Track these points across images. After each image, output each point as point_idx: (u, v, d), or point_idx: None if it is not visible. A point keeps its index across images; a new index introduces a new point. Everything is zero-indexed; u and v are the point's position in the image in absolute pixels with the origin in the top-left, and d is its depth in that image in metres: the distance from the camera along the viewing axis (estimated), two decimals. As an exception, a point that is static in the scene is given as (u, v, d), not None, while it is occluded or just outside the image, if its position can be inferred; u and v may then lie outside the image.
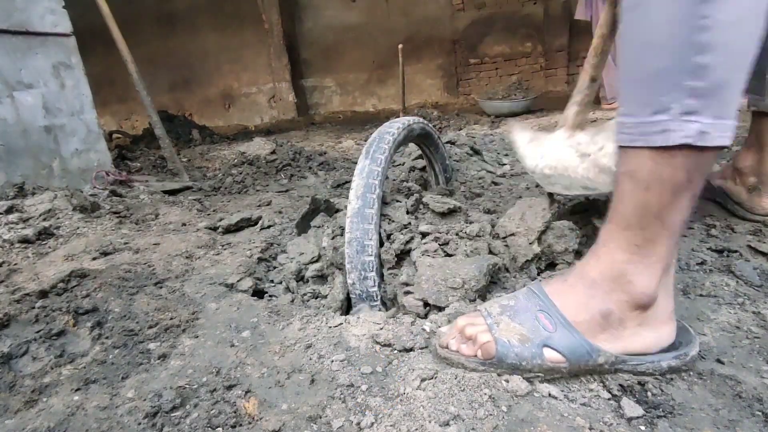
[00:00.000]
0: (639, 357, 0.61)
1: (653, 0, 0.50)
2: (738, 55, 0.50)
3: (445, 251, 0.92)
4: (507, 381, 0.62)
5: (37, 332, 0.83)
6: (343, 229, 1.01)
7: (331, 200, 1.15)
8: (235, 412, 0.61)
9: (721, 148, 0.52)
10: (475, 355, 0.62)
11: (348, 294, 0.93)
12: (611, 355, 0.60)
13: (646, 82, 0.53)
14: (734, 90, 0.51)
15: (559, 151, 1.05)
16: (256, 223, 1.46)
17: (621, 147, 0.57)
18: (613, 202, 0.60)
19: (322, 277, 1.01)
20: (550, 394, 0.59)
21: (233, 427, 0.58)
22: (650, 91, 0.52)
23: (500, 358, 0.61)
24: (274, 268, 1.10)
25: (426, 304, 0.80)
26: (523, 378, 0.61)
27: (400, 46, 3.60)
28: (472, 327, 0.65)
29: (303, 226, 1.22)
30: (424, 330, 0.74)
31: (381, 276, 0.93)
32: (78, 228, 1.47)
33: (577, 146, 1.03)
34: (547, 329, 0.61)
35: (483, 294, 0.80)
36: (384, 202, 1.04)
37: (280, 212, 1.62)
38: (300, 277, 1.03)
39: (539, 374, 0.61)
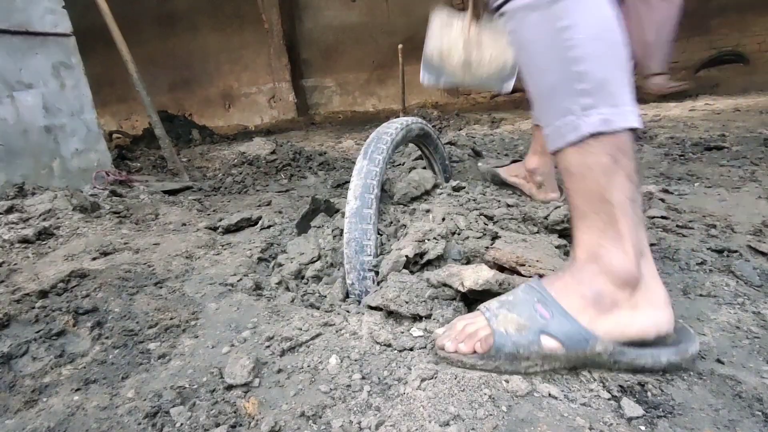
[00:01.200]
0: (638, 349, 0.62)
1: (531, 40, 0.64)
2: (607, 58, 0.62)
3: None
4: (507, 381, 0.62)
5: (37, 332, 0.83)
6: (341, 229, 1.01)
7: (331, 200, 1.15)
8: (235, 412, 0.61)
9: (632, 129, 0.62)
10: (474, 351, 0.63)
11: (347, 294, 0.93)
12: (609, 343, 0.61)
13: (549, 97, 0.65)
14: (617, 83, 0.62)
15: (452, 38, 1.25)
16: (256, 223, 1.46)
17: (554, 153, 0.66)
18: (568, 201, 0.67)
19: (321, 277, 1.01)
20: (550, 394, 0.59)
21: (233, 427, 0.58)
22: (553, 103, 0.64)
23: (498, 348, 0.62)
24: (275, 267, 1.10)
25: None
26: (523, 373, 0.61)
27: (400, 46, 3.60)
28: (471, 325, 0.66)
29: (303, 226, 1.22)
30: (411, 335, 0.74)
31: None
32: (78, 228, 1.47)
33: (465, 40, 1.23)
34: (544, 317, 0.63)
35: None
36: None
37: (280, 212, 1.62)
38: (300, 277, 1.03)
39: (537, 362, 0.62)
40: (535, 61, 0.65)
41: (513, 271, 0.80)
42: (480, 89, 1.41)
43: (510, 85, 1.42)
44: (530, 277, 0.77)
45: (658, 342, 0.63)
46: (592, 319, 0.62)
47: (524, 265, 0.79)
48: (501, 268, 0.81)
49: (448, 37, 1.36)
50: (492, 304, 0.68)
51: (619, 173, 0.61)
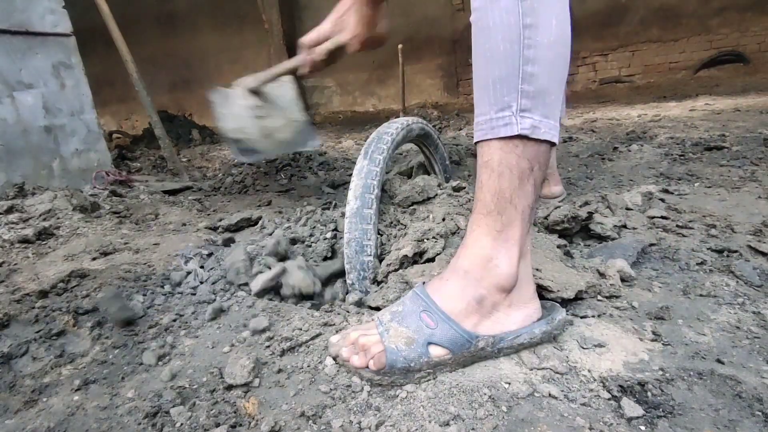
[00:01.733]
0: (514, 331, 0.66)
1: (495, 26, 0.63)
2: (554, 68, 0.64)
3: None
4: (508, 383, 0.62)
5: (37, 332, 0.83)
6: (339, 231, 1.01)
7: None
8: (235, 412, 0.61)
9: (551, 144, 0.65)
10: (367, 366, 0.64)
11: (347, 293, 0.93)
12: (489, 337, 0.65)
13: (493, 87, 0.65)
14: (554, 96, 0.65)
15: (236, 113, 1.35)
16: (255, 223, 1.46)
17: (478, 142, 0.68)
18: (475, 192, 0.69)
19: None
20: (550, 394, 0.59)
21: (233, 427, 0.58)
22: (496, 93, 0.65)
23: (391, 365, 0.62)
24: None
25: None
26: (417, 383, 0.63)
27: (400, 46, 3.60)
28: (365, 337, 0.67)
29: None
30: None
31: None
32: (78, 228, 1.47)
33: (250, 109, 1.33)
34: (430, 327, 0.65)
35: None
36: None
37: (280, 212, 1.62)
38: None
39: (428, 371, 0.63)
40: (491, 47, 0.64)
41: None
42: (298, 150, 1.48)
43: (318, 141, 1.49)
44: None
45: None
46: (476, 323, 0.65)
47: None
48: None
49: (232, 112, 1.40)
50: (385, 316, 0.69)
51: (531, 181, 0.65)
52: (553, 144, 0.65)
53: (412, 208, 1.07)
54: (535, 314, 0.69)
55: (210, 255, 1.15)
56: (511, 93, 0.63)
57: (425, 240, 0.91)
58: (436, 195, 1.09)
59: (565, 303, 0.77)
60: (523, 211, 0.65)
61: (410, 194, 1.06)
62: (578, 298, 0.79)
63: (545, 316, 0.69)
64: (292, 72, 1.31)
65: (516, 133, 0.63)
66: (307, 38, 1.18)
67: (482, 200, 0.67)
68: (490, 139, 0.65)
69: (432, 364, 0.63)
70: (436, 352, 0.63)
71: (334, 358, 0.68)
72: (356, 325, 0.76)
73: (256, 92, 1.39)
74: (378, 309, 0.83)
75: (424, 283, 0.73)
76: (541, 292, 0.76)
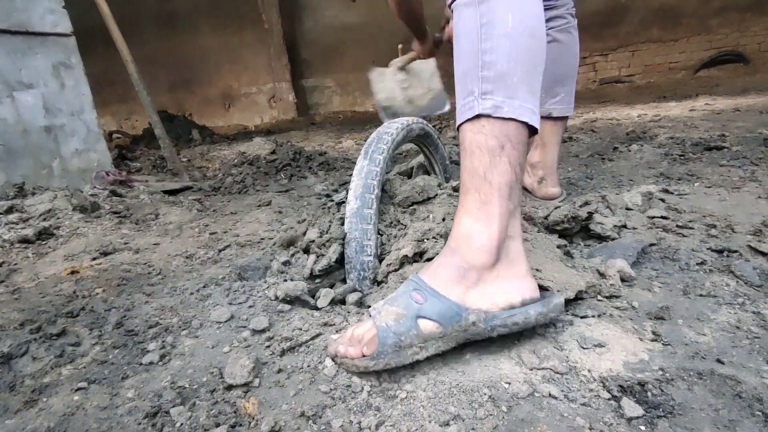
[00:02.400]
0: (509, 311, 0.67)
1: (461, 31, 0.73)
2: (513, 54, 0.69)
3: None
4: (508, 383, 0.62)
5: (37, 332, 0.83)
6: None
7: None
8: (235, 412, 0.61)
9: (523, 124, 0.69)
10: (363, 355, 0.65)
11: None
12: (481, 312, 0.66)
13: (461, 78, 0.73)
14: (516, 78, 0.69)
15: (389, 86, 1.73)
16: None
17: (457, 128, 0.74)
18: (460, 174, 0.73)
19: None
20: (550, 394, 0.59)
21: (233, 427, 0.58)
22: (464, 84, 0.72)
23: (382, 342, 0.64)
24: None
25: None
26: (410, 362, 0.64)
27: (400, 46, 3.59)
28: (359, 329, 0.69)
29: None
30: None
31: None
32: (78, 228, 1.47)
33: (400, 82, 1.72)
34: (419, 302, 0.67)
35: None
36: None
37: (281, 212, 1.62)
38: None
39: (420, 346, 0.64)
40: (459, 48, 0.73)
41: None
42: (430, 114, 1.82)
43: (448, 106, 1.76)
44: None
45: (526, 305, 0.69)
46: (461, 294, 0.67)
47: None
48: None
49: (385, 86, 1.78)
50: (378, 303, 0.71)
51: (503, 158, 0.68)
52: (525, 124, 0.69)
53: (412, 208, 1.07)
54: (529, 291, 0.70)
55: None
56: (474, 81, 0.70)
57: (425, 240, 0.91)
58: (437, 195, 1.09)
59: (565, 304, 0.77)
60: (499, 188, 0.68)
61: (410, 194, 1.06)
62: (578, 298, 0.79)
63: (542, 300, 0.70)
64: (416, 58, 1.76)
65: (477, 113, 0.69)
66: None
67: (462, 181, 0.72)
68: (461, 123, 0.72)
69: (422, 337, 0.64)
70: (426, 325, 0.65)
71: (333, 358, 0.68)
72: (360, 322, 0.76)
73: (403, 69, 1.77)
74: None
75: (418, 272, 0.75)
76: (541, 292, 0.76)
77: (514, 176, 0.69)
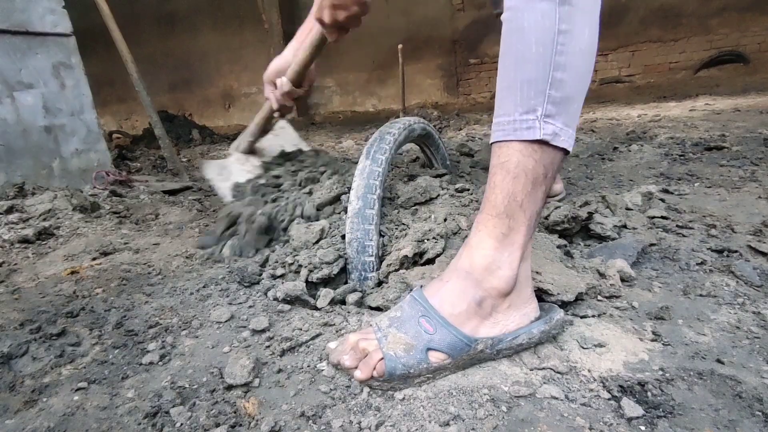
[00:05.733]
0: (513, 332, 0.66)
1: (528, 28, 0.63)
2: (581, 77, 0.65)
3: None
4: (508, 383, 0.62)
5: (37, 332, 0.83)
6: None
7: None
8: (235, 412, 0.61)
9: (566, 152, 0.66)
10: (371, 377, 0.62)
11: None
12: (488, 339, 0.64)
13: (520, 89, 0.64)
14: (577, 105, 0.66)
15: (240, 178, 1.30)
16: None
17: (496, 143, 0.67)
18: (486, 193, 0.68)
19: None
20: (550, 395, 0.59)
21: (233, 427, 0.58)
22: (522, 95, 0.64)
23: (390, 372, 0.61)
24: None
25: None
26: (416, 386, 0.62)
27: (400, 46, 3.60)
28: (364, 342, 0.66)
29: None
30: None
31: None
32: (78, 228, 1.47)
33: (255, 169, 1.32)
34: (428, 332, 0.64)
35: None
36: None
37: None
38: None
39: (428, 376, 0.63)
40: (523, 49, 0.64)
41: None
42: None
43: None
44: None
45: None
46: (475, 326, 0.65)
47: None
48: None
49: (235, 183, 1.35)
50: (383, 321, 0.68)
51: (542, 187, 0.65)
52: (567, 153, 0.66)
53: (414, 208, 1.07)
54: (533, 313, 0.69)
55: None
56: (538, 97, 0.63)
57: (425, 240, 0.91)
58: (438, 195, 1.09)
59: (565, 305, 0.77)
60: (530, 217, 0.65)
61: (412, 195, 1.06)
62: (578, 299, 0.79)
63: (543, 317, 0.69)
64: (270, 118, 1.34)
65: (538, 138, 0.62)
66: (267, 73, 1.23)
67: (492, 201, 0.66)
68: (511, 141, 0.64)
69: (431, 369, 0.63)
70: (436, 357, 0.63)
71: (335, 366, 0.67)
72: (353, 330, 0.75)
73: (252, 152, 1.40)
74: (379, 309, 0.83)
75: (422, 286, 0.72)
76: (541, 295, 0.76)
77: (542, 204, 0.66)
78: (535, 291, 0.76)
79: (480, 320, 0.65)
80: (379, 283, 0.91)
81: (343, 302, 0.88)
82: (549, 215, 1.04)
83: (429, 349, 0.63)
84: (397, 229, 1.02)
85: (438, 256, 0.89)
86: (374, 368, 0.62)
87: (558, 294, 0.76)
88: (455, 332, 0.63)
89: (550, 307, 0.71)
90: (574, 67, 0.63)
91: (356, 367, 0.64)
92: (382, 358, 0.63)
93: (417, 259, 0.90)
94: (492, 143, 0.68)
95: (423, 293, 0.69)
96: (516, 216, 0.64)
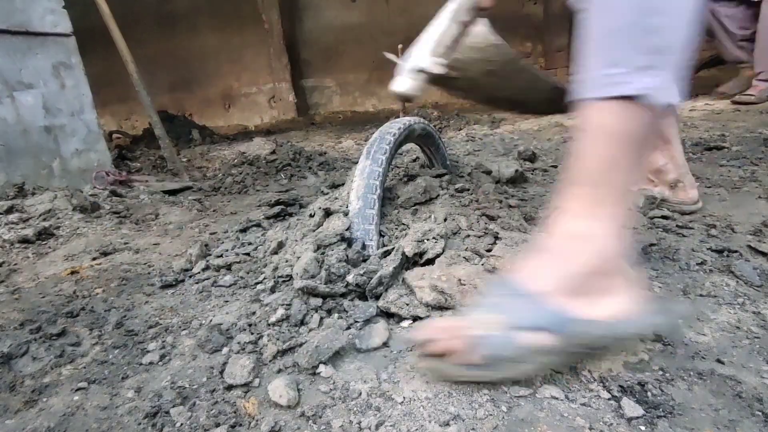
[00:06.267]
0: (617, 322, 0.60)
1: None
2: (682, 22, 0.55)
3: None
4: (508, 383, 0.62)
5: (37, 332, 0.83)
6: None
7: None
8: (235, 412, 0.61)
9: (668, 106, 0.57)
10: (471, 363, 0.58)
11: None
12: (585, 321, 0.58)
13: (608, 40, 0.57)
14: (679, 53, 0.56)
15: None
16: (259, 225, 1.45)
17: (582, 103, 0.59)
18: (572, 162, 0.61)
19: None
20: (550, 395, 0.59)
21: (233, 427, 0.58)
22: (610, 47, 0.56)
23: (489, 355, 0.57)
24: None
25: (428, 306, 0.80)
26: (523, 378, 0.60)
27: (400, 46, 3.59)
28: (457, 330, 0.60)
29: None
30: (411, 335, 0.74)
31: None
32: (78, 228, 1.47)
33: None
34: (526, 312, 0.59)
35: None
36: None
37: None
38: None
39: (533, 358, 0.58)
40: None
41: None
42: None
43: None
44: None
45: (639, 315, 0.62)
46: (575, 301, 0.58)
47: None
48: None
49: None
50: (470, 307, 0.65)
51: (639, 150, 0.57)
52: (669, 106, 0.57)
53: (414, 208, 1.07)
54: (642, 300, 0.61)
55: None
56: (629, 48, 0.55)
57: (425, 240, 0.91)
58: (438, 195, 1.09)
59: None
60: (625, 185, 0.58)
61: (413, 195, 1.06)
62: None
63: (657, 308, 0.62)
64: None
65: (631, 93, 0.54)
66: None
67: (578, 170, 0.59)
68: (597, 98, 0.57)
69: (533, 350, 0.57)
70: (538, 338, 0.57)
71: (423, 346, 0.61)
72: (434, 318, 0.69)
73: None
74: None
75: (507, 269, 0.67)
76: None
77: (639, 169, 0.60)
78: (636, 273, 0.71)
79: (573, 297, 0.58)
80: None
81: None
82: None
83: (529, 328, 0.57)
84: (397, 229, 1.02)
85: (438, 256, 0.88)
86: (471, 353, 0.57)
87: None
88: (556, 310, 0.57)
89: (666, 299, 0.64)
90: (672, 10, 0.54)
91: (444, 352, 0.58)
92: (477, 342, 0.57)
93: (417, 260, 0.90)
94: (573, 103, 0.60)
95: (510, 276, 0.64)
96: (607, 185, 0.57)
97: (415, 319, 0.78)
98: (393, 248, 0.90)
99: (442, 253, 0.89)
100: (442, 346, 0.59)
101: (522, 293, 0.60)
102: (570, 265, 0.59)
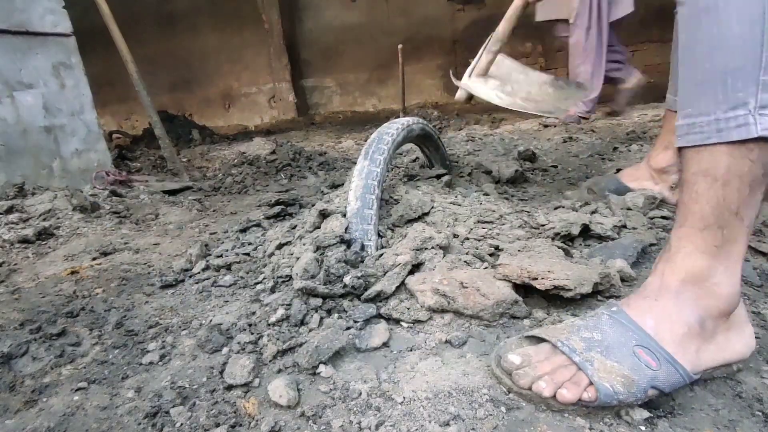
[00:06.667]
0: (726, 367, 0.59)
1: (725, 5, 0.52)
2: None
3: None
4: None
5: (37, 332, 0.83)
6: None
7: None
8: (235, 412, 0.61)
9: None
10: (580, 399, 0.55)
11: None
12: (699, 373, 0.58)
13: (721, 81, 0.54)
14: None
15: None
16: (259, 225, 1.46)
17: (693, 147, 0.58)
18: (684, 204, 0.60)
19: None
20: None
21: (233, 427, 0.58)
22: (725, 88, 0.54)
23: (602, 404, 0.54)
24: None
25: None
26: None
27: (400, 46, 3.59)
28: (561, 367, 0.57)
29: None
30: (411, 336, 0.74)
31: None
32: (78, 228, 1.47)
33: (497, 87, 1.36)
34: (651, 367, 0.55)
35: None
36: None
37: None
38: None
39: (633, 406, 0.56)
40: (720, 32, 0.53)
41: (526, 287, 0.79)
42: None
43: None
44: (547, 291, 0.75)
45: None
46: (694, 356, 0.57)
47: (537, 279, 0.76)
48: (514, 286, 0.80)
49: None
50: (574, 341, 0.59)
51: (761, 188, 0.55)
52: None
53: (407, 225, 1.05)
54: (751, 339, 0.60)
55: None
56: (749, 87, 0.52)
57: (424, 249, 0.90)
58: (432, 209, 1.07)
59: (583, 298, 0.77)
60: (749, 225, 0.56)
61: (405, 213, 1.04)
62: (596, 292, 0.79)
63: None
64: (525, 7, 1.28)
65: (756, 135, 0.52)
66: None
67: (698, 213, 0.57)
68: (715, 144, 0.55)
69: (641, 402, 0.56)
70: (653, 393, 0.55)
71: (521, 389, 0.58)
72: (527, 347, 0.63)
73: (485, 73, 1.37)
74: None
75: (616, 305, 0.63)
76: (559, 292, 0.75)
77: (759, 207, 0.57)
78: (552, 288, 0.73)
79: (700, 344, 0.57)
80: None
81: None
82: (546, 224, 1.04)
83: (652, 387, 0.55)
84: (394, 230, 1.02)
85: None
86: (585, 392, 0.55)
87: (576, 288, 0.74)
88: (682, 371, 0.55)
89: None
90: None
91: (554, 395, 0.55)
92: (591, 386, 0.55)
93: (413, 270, 0.88)
94: (681, 148, 0.59)
95: (627, 313, 0.60)
96: (731, 225, 0.55)
97: (416, 322, 0.78)
98: (390, 251, 0.90)
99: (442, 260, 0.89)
100: (552, 392, 0.55)
101: (655, 347, 0.57)
102: (699, 310, 0.58)
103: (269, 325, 0.79)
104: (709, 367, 0.58)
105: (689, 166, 0.59)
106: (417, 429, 0.55)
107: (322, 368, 0.67)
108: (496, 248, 0.94)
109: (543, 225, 1.04)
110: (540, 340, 0.62)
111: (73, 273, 1.14)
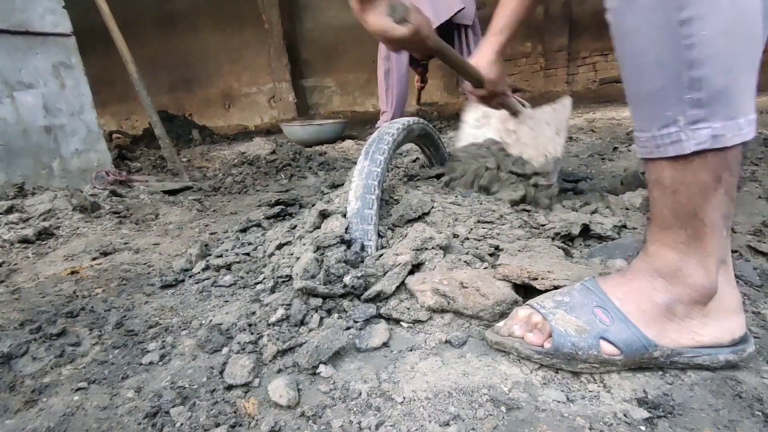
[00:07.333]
0: (696, 349, 0.61)
1: (637, 29, 0.53)
2: (733, 61, 0.51)
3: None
4: (508, 383, 0.62)
5: (37, 332, 0.83)
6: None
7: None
8: (235, 412, 0.61)
9: (744, 143, 0.54)
10: (541, 345, 0.62)
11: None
12: (667, 348, 0.60)
13: (650, 101, 0.56)
14: (739, 91, 0.52)
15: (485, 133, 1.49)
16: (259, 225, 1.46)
17: (643, 158, 0.60)
18: (650, 205, 0.62)
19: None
20: (551, 396, 0.59)
21: (233, 427, 0.58)
22: (654, 108, 0.55)
23: (557, 348, 0.61)
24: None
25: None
26: (576, 373, 0.62)
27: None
28: (535, 315, 0.66)
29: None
30: (411, 336, 0.74)
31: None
32: (78, 228, 1.47)
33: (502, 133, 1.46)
34: (604, 323, 0.61)
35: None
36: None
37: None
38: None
39: (594, 365, 0.61)
40: (639, 56, 0.54)
41: (526, 287, 0.79)
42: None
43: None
44: (547, 291, 0.75)
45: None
46: (659, 331, 0.60)
47: (537, 279, 0.77)
48: (514, 286, 0.80)
49: (483, 130, 1.51)
50: (546, 302, 0.67)
51: (719, 191, 0.55)
52: (744, 144, 0.55)
53: (407, 225, 1.05)
54: (738, 331, 0.61)
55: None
56: (675, 106, 0.53)
57: (425, 250, 0.90)
58: (432, 209, 1.07)
59: None
60: (713, 223, 0.56)
61: (404, 212, 1.04)
62: None
63: (746, 338, 0.62)
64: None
65: (690, 151, 0.53)
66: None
67: (659, 216, 0.60)
68: (656, 159, 0.57)
69: (600, 359, 0.60)
70: (607, 348, 0.60)
71: (502, 337, 0.67)
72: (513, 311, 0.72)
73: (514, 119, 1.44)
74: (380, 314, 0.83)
75: (594, 277, 0.69)
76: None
77: (730, 204, 0.57)
78: (552, 288, 0.74)
79: (666, 324, 0.60)
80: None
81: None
82: (545, 224, 1.04)
83: (602, 338, 0.60)
84: (394, 231, 1.02)
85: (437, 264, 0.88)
86: (546, 338, 0.62)
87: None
88: (635, 330, 0.60)
89: (747, 336, 0.64)
90: (716, 55, 0.50)
91: (523, 336, 0.64)
92: (548, 331, 0.62)
93: (413, 270, 0.88)
94: (641, 158, 0.62)
95: (598, 284, 0.66)
96: (692, 225, 0.57)
97: (416, 322, 0.78)
98: (390, 251, 0.90)
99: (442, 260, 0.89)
100: (522, 334, 0.65)
101: (612, 309, 0.62)
102: (668, 294, 0.61)
103: (269, 325, 0.79)
104: (681, 344, 0.60)
105: (647, 173, 0.61)
106: (417, 429, 0.55)
107: (322, 368, 0.67)
108: (496, 248, 0.94)
109: (543, 225, 1.04)
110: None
111: (73, 273, 1.14)
